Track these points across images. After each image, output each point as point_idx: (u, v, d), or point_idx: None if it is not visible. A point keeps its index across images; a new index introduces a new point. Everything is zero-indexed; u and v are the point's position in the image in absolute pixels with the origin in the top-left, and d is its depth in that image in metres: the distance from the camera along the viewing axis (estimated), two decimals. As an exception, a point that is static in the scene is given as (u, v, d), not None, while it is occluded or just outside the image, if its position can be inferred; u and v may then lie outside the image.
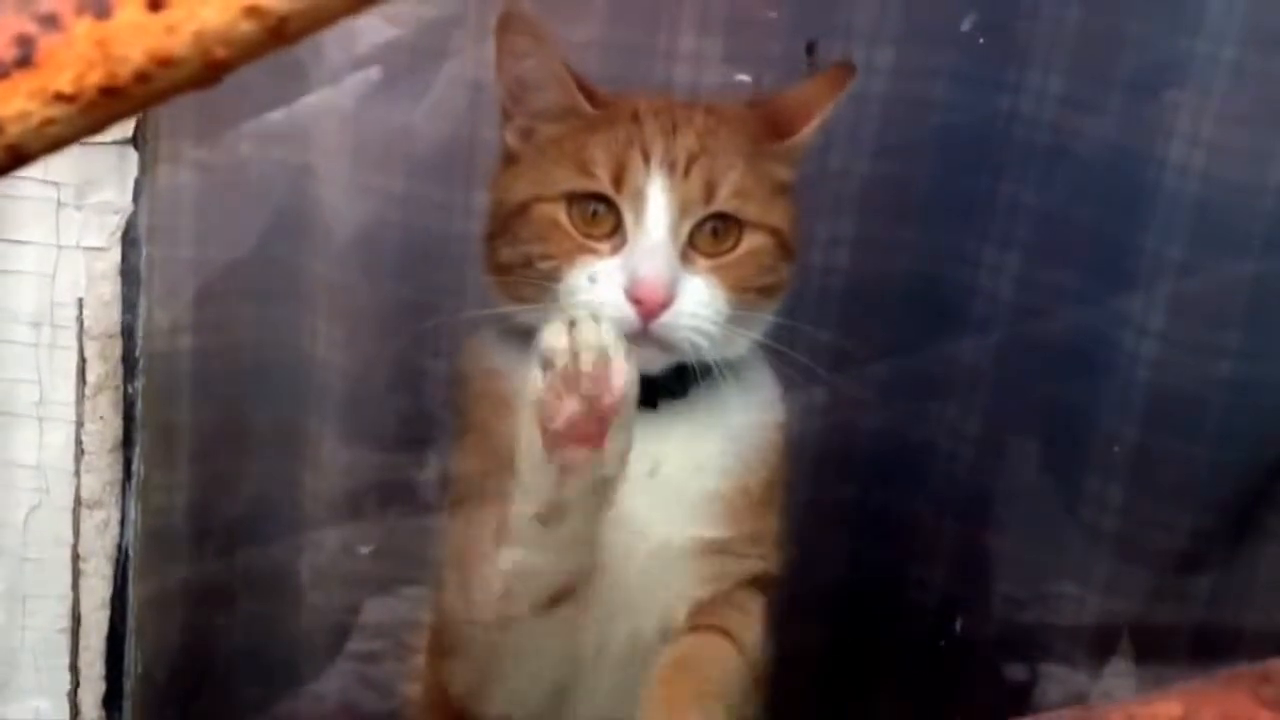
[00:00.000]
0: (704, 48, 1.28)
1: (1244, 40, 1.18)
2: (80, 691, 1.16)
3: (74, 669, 1.15)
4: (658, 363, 0.96)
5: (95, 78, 0.45)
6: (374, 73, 1.31)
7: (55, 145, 0.47)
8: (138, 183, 1.10)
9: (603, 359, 0.83)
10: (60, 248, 1.09)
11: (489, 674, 1.00)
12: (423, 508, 1.38)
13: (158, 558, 1.24)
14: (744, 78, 1.30)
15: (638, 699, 0.93)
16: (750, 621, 1.00)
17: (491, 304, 1.03)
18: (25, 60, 0.45)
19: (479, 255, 1.05)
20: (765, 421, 1.04)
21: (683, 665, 0.95)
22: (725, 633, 0.99)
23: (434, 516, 1.31)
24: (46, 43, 0.45)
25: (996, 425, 1.37)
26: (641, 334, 0.93)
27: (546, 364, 0.84)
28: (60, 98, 0.45)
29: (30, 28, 0.45)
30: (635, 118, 0.98)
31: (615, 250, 0.95)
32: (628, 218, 0.95)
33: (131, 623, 1.17)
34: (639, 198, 0.95)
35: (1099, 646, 1.34)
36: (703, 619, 0.99)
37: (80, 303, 1.10)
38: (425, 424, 1.37)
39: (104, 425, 1.12)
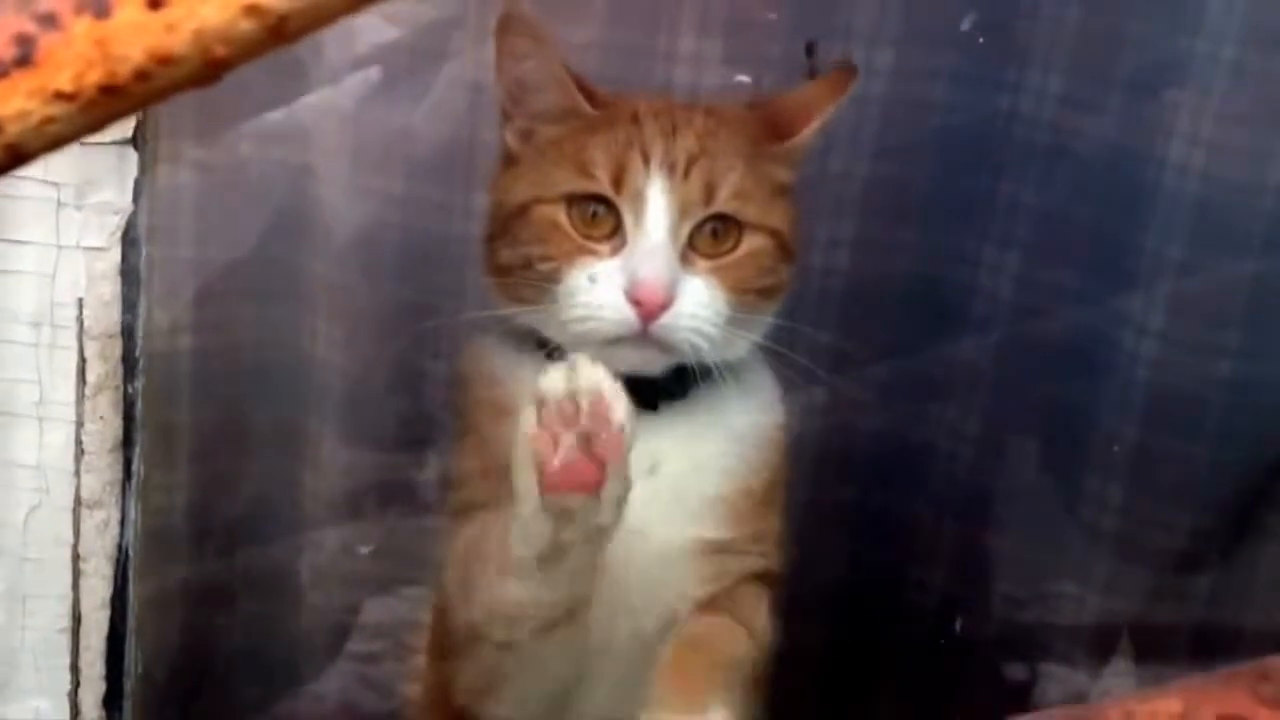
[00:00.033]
0: (704, 49, 1.28)
1: (1244, 40, 1.18)
2: (80, 691, 1.16)
3: (74, 669, 1.15)
4: (658, 364, 0.96)
5: (95, 76, 0.45)
6: (374, 74, 1.31)
7: (55, 144, 0.47)
8: (138, 183, 1.10)
9: (600, 398, 0.83)
10: (60, 248, 1.09)
11: (493, 679, 1.00)
12: (423, 508, 1.38)
13: (158, 558, 1.24)
14: (744, 79, 1.30)
15: (640, 698, 0.93)
16: (757, 610, 1.00)
17: (491, 305, 1.03)
18: (25, 59, 0.45)
19: (479, 257, 1.05)
20: (765, 422, 1.03)
21: (695, 643, 0.95)
22: (734, 617, 0.99)
23: (434, 517, 1.31)
24: (46, 42, 0.45)
25: (996, 425, 1.37)
26: (641, 335, 0.93)
27: (542, 403, 0.83)
28: (60, 96, 0.45)
29: (30, 27, 0.45)
30: (635, 119, 0.98)
31: (615, 251, 0.95)
32: (627, 219, 0.95)
33: (132, 623, 1.17)
34: (639, 199, 0.95)
35: (1099, 646, 1.34)
36: (710, 608, 0.99)
37: (80, 303, 1.10)
38: (425, 424, 1.38)
39: (104, 425, 1.13)
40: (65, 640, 1.15)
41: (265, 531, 1.38)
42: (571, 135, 0.99)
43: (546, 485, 0.83)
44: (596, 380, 0.83)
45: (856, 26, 1.28)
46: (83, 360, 1.11)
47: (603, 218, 0.96)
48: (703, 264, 0.96)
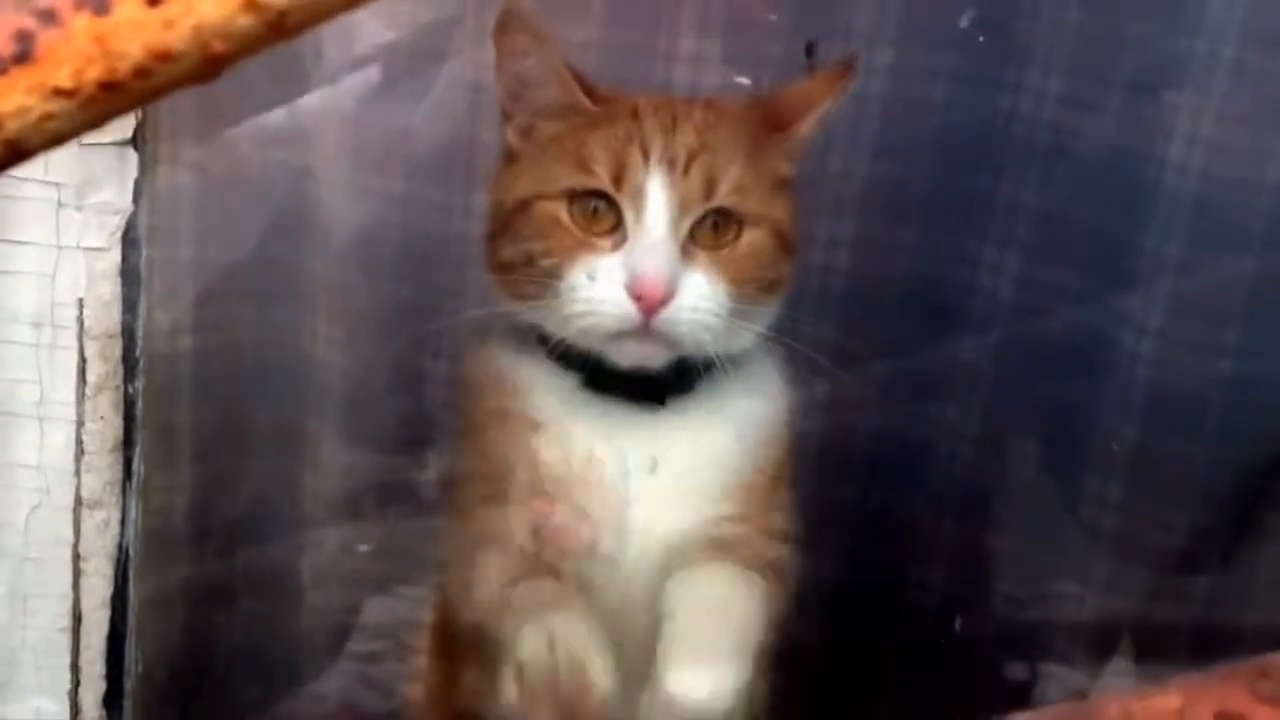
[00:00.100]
0: (703, 49, 1.28)
1: (1244, 40, 1.18)
2: (81, 691, 1.16)
3: (75, 668, 1.16)
4: (660, 358, 0.97)
5: (94, 73, 0.45)
6: (374, 74, 1.31)
7: (55, 140, 0.47)
8: (138, 183, 1.10)
9: (580, 670, 0.85)
10: (60, 248, 1.10)
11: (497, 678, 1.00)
12: (423, 508, 1.38)
13: (158, 557, 1.24)
14: (744, 80, 1.30)
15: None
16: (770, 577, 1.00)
17: (493, 303, 1.03)
18: (24, 56, 0.45)
19: (480, 255, 1.05)
20: (771, 412, 1.04)
21: (707, 602, 0.95)
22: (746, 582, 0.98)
23: (434, 517, 1.31)
24: (45, 38, 0.45)
25: (996, 425, 1.36)
26: (643, 330, 0.93)
27: (520, 675, 0.86)
28: (59, 93, 0.45)
29: (29, 23, 0.45)
30: (635, 115, 0.98)
31: (616, 247, 0.95)
32: (628, 215, 0.95)
33: (132, 622, 1.17)
34: (639, 195, 0.95)
35: (1099, 646, 1.34)
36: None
37: (80, 303, 1.11)
38: (425, 424, 1.38)
39: (104, 425, 1.13)
40: (66, 640, 1.15)
41: (265, 531, 1.38)
42: (572, 131, 0.99)
43: None
44: (577, 648, 0.86)
45: (856, 26, 1.28)
46: (83, 360, 1.11)
47: (603, 213, 0.96)
48: (703, 258, 0.96)
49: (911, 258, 1.34)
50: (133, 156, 1.09)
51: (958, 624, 1.39)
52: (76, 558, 1.14)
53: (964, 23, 1.30)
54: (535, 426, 1.00)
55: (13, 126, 0.46)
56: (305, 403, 1.35)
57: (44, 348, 1.11)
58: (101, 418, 1.13)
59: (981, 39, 1.31)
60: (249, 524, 1.36)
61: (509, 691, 0.88)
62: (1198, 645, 1.30)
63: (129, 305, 1.12)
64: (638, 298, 0.93)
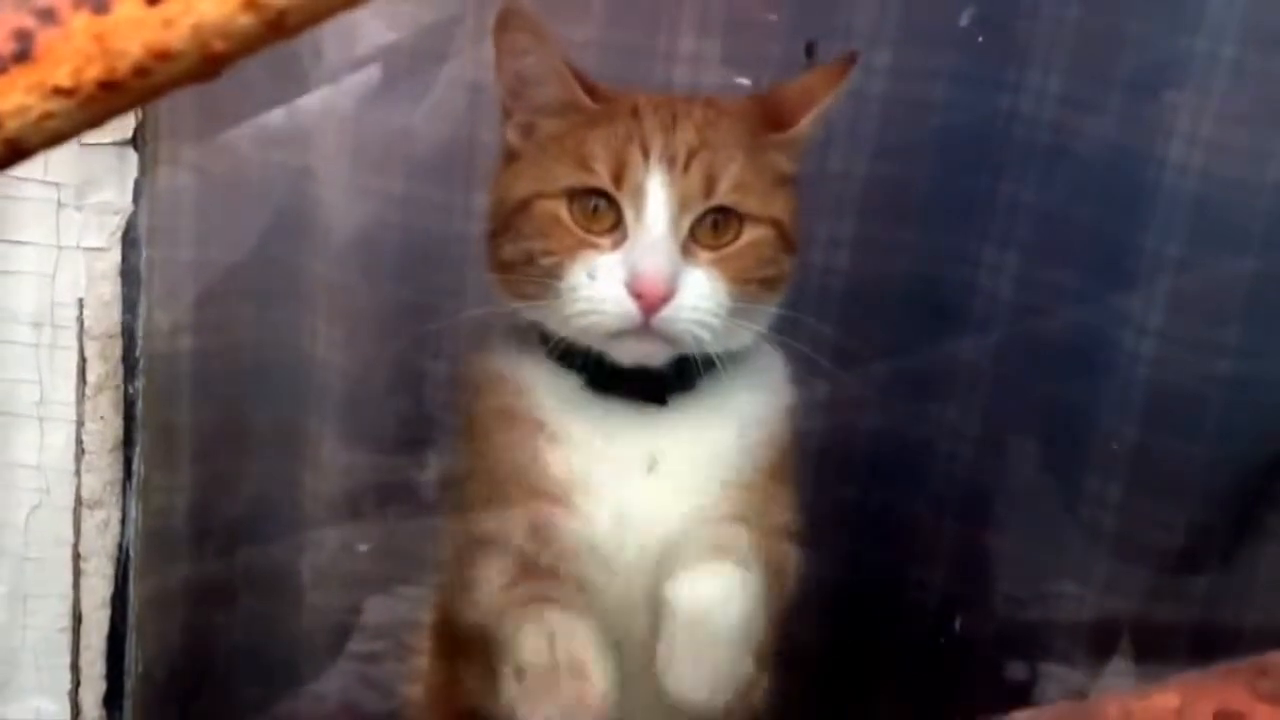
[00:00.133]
0: (703, 49, 1.28)
1: (1244, 39, 1.18)
2: (81, 690, 1.16)
3: (75, 668, 1.16)
4: (660, 356, 0.96)
5: (93, 72, 0.45)
6: (374, 74, 1.31)
7: (54, 139, 0.47)
8: (138, 183, 1.10)
9: (581, 669, 0.86)
10: (60, 248, 1.10)
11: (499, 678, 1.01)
12: (423, 508, 1.38)
13: (158, 557, 1.24)
14: (743, 80, 1.30)
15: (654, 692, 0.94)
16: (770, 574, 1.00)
17: (494, 302, 1.03)
18: (24, 55, 0.45)
19: (481, 254, 1.05)
20: (772, 410, 1.04)
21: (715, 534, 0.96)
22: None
23: (434, 517, 1.32)
24: (45, 37, 0.45)
25: (996, 425, 1.36)
26: (643, 328, 0.93)
27: (520, 675, 0.86)
28: (59, 92, 0.45)
29: (28, 22, 0.45)
30: (635, 113, 0.98)
31: (616, 245, 0.95)
32: (628, 213, 0.95)
33: (132, 622, 1.17)
34: (639, 193, 0.95)
35: (1099, 646, 1.34)
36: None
37: (80, 303, 1.11)
38: (425, 425, 1.38)
39: (104, 425, 1.13)
40: (66, 639, 1.15)
41: (265, 531, 1.38)
42: (572, 130, 0.99)
43: None
44: (577, 648, 0.87)
45: (856, 26, 1.28)
46: (83, 360, 1.12)
47: (604, 212, 0.96)
48: (704, 256, 0.96)
49: (911, 258, 1.34)
50: (133, 156, 1.09)
51: (958, 624, 1.39)
52: (76, 558, 1.14)
53: (964, 21, 1.30)
54: (537, 426, 1.00)
55: (12, 125, 0.46)
56: (305, 403, 1.35)
57: (44, 348, 1.11)
58: (101, 418, 1.13)
59: (981, 38, 1.31)
60: (249, 524, 1.36)
61: (509, 691, 0.88)
62: (1198, 645, 1.30)
63: (129, 305, 1.13)
64: (638, 296, 0.93)
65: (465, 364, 1.09)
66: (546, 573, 0.98)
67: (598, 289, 0.94)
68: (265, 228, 1.32)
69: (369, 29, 1.29)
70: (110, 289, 1.11)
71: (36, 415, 1.12)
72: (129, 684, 1.19)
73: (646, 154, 0.96)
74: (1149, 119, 1.24)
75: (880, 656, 1.41)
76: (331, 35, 1.27)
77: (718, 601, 0.93)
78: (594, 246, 0.95)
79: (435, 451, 1.38)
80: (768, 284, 0.99)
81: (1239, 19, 1.19)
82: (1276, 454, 1.26)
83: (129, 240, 1.11)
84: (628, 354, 0.96)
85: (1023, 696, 1.36)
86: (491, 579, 0.99)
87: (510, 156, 1.03)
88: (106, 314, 1.11)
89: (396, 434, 1.41)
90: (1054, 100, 1.29)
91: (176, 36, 0.45)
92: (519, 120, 1.02)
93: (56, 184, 1.08)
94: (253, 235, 1.32)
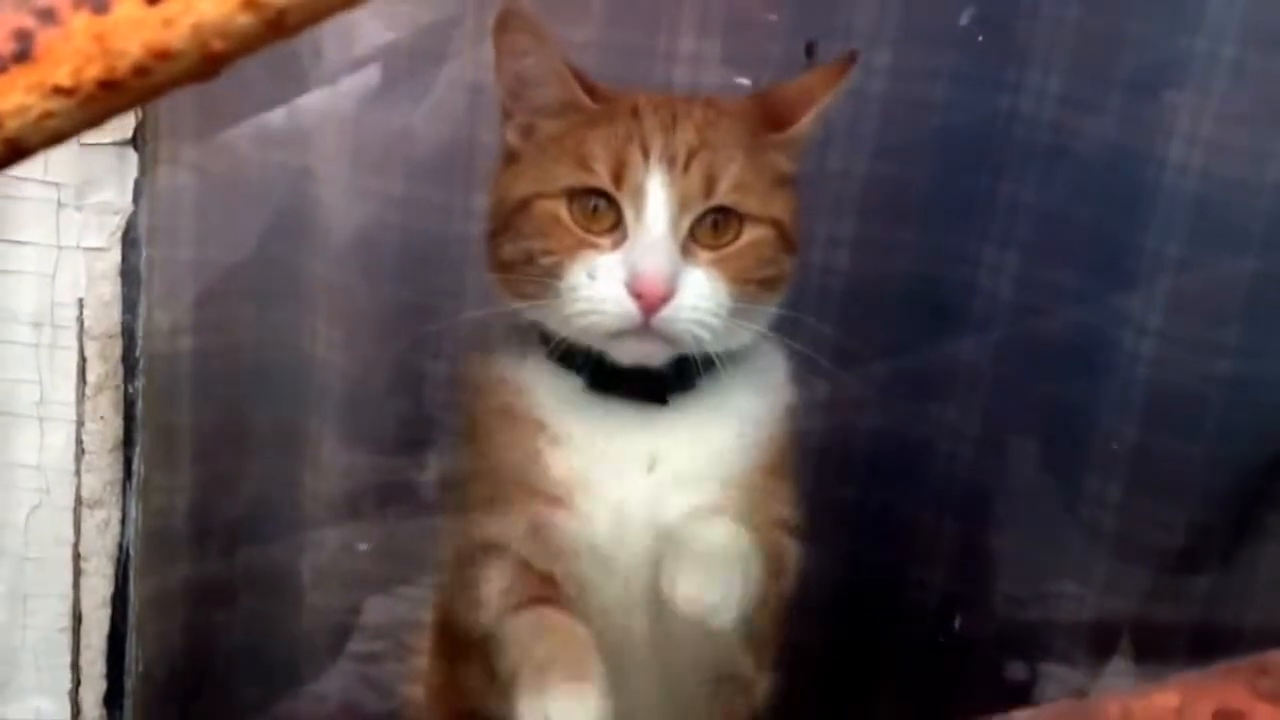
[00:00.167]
0: (703, 49, 1.28)
1: (1244, 39, 1.18)
2: (81, 690, 1.16)
3: (75, 668, 1.16)
4: (660, 356, 0.96)
5: (93, 71, 0.45)
6: (374, 75, 1.31)
7: (54, 139, 0.47)
8: (138, 183, 1.10)
9: (580, 671, 0.87)
10: (60, 248, 1.10)
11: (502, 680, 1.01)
12: (423, 508, 1.38)
13: (158, 557, 1.24)
14: (743, 80, 1.30)
15: (660, 692, 0.94)
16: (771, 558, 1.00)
17: (494, 302, 1.03)
18: (24, 54, 0.45)
19: (481, 254, 1.05)
20: (772, 409, 1.04)
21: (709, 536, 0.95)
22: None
23: (434, 517, 1.32)
24: (44, 37, 0.45)
25: (996, 425, 1.36)
26: (643, 328, 0.93)
27: (519, 674, 0.88)
28: (59, 91, 0.45)
29: (28, 22, 0.45)
30: (635, 113, 0.98)
31: (616, 245, 0.95)
32: (628, 213, 0.95)
33: (132, 621, 1.17)
34: (639, 193, 0.95)
35: (1099, 645, 1.34)
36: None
37: (80, 303, 1.11)
38: (425, 425, 1.38)
39: (104, 425, 1.13)
40: (66, 639, 1.15)
41: (265, 531, 1.38)
42: (571, 130, 0.99)
43: None
44: (575, 650, 0.89)
45: (856, 26, 1.28)
46: (83, 360, 1.12)
47: (603, 212, 0.96)
48: (704, 256, 0.96)
49: (911, 258, 1.34)
50: (133, 156, 1.10)
51: (958, 624, 1.39)
52: (76, 558, 1.14)
53: (964, 21, 1.30)
54: (537, 426, 1.00)
55: (12, 125, 0.46)
56: (305, 403, 1.35)
57: (44, 348, 1.11)
58: (101, 418, 1.13)
59: (981, 38, 1.31)
60: (249, 524, 1.36)
61: (508, 692, 0.88)
62: (1198, 645, 1.30)
63: (129, 305, 1.13)
64: (638, 296, 0.93)
65: (465, 364, 1.09)
66: (546, 573, 0.98)
67: (598, 289, 0.94)
68: (265, 228, 1.32)
69: (368, 29, 1.29)
70: (110, 289, 1.11)
71: (36, 415, 1.12)
72: (129, 684, 1.19)
73: (646, 154, 0.96)
74: (1149, 119, 1.24)
75: (880, 656, 1.41)
76: (331, 35, 1.27)
77: (720, 535, 0.94)
78: (594, 246, 0.95)
79: (435, 452, 1.38)
80: (768, 284, 0.99)
81: (1239, 19, 1.19)
82: (1276, 454, 1.26)
83: (129, 240, 1.11)
84: (628, 354, 0.96)
85: (1023, 696, 1.36)
86: (492, 579, 0.99)
87: (510, 157, 1.03)
88: (106, 314, 1.11)
89: (396, 434, 1.41)
90: (1054, 100, 1.29)
91: (176, 36, 0.45)
92: (519, 121, 1.02)
93: (56, 184, 1.08)
94: (253, 235, 1.32)
